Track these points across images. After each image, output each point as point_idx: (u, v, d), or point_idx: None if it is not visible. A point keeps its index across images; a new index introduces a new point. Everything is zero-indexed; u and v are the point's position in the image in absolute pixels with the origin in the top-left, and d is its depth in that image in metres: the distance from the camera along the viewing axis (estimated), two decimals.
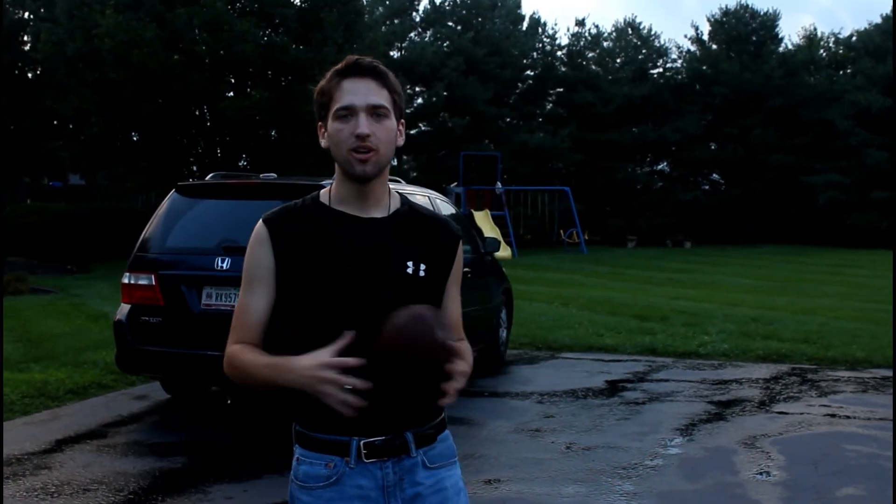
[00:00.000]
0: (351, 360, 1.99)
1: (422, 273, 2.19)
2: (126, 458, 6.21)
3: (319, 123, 2.22)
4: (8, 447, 6.22)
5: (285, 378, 2.08)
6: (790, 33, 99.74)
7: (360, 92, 2.12)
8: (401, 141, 2.21)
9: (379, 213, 2.21)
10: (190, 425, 7.29)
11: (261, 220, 2.23)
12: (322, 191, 2.27)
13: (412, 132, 37.01)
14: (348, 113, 2.11)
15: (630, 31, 44.41)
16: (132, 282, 7.01)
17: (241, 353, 2.18)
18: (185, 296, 6.75)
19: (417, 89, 38.40)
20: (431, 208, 5.35)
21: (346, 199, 2.20)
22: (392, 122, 2.16)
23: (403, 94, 2.23)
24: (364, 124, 2.10)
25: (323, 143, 2.21)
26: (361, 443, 2.14)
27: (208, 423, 7.40)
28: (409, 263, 2.17)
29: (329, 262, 2.13)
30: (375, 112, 2.12)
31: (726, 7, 44.08)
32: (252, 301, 2.20)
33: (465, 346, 2.20)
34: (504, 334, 10.04)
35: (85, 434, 6.81)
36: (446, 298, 2.30)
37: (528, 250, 29.11)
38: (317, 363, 2.02)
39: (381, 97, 2.14)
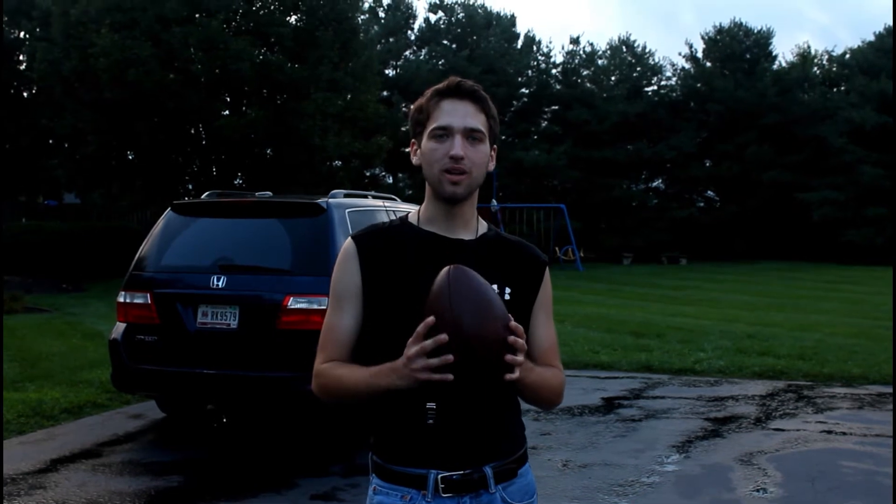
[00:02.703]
0: (428, 343, 1.92)
1: (507, 297, 2.16)
2: (122, 477, 6.18)
3: (412, 140, 2.23)
4: (3, 467, 6.19)
5: (390, 381, 2.02)
6: (784, 51, 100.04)
7: (459, 114, 2.13)
8: (492, 166, 2.21)
9: (466, 236, 2.20)
10: (186, 444, 7.27)
11: (349, 238, 2.24)
12: (412, 212, 2.28)
13: (406, 150, 37.13)
14: (445, 133, 2.12)
15: (625, 49, 44.59)
16: (128, 300, 7.01)
17: (335, 367, 2.17)
18: (181, 314, 6.75)
19: (413, 108, 38.56)
20: None
21: (434, 220, 2.20)
22: (486, 146, 2.17)
23: (499, 121, 2.24)
24: (459, 146, 2.10)
25: (414, 160, 2.22)
26: (439, 476, 2.11)
27: (204, 442, 7.38)
28: (494, 286, 2.13)
29: (412, 280, 2.12)
30: (471, 135, 2.13)
31: (720, 25, 44.33)
32: (340, 320, 2.20)
33: (560, 378, 2.27)
34: None
35: (80, 453, 6.79)
36: (535, 324, 2.28)
37: None
38: (405, 356, 1.97)
39: (478, 121, 2.14)
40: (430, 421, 2.05)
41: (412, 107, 2.24)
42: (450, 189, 2.12)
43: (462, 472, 2.12)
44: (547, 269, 2.32)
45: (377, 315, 2.16)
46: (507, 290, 2.18)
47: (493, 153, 2.22)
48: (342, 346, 2.19)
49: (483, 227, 2.26)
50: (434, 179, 2.14)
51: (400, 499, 2.14)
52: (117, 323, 7.14)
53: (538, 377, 2.17)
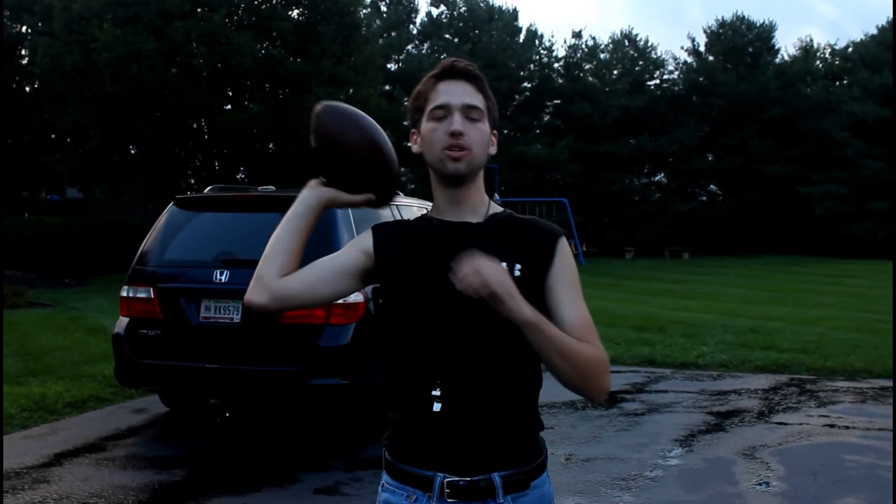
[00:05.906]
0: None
1: (517, 273, 2.10)
2: (125, 471, 6.19)
3: (412, 130, 2.21)
4: (7, 461, 6.21)
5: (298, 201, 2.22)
6: (786, 44, 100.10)
7: (456, 93, 2.12)
8: (493, 150, 2.19)
9: (474, 219, 2.18)
10: (189, 438, 7.28)
11: (369, 228, 2.26)
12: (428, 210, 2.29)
13: (409, 145, 37.17)
14: (444, 113, 2.11)
15: (627, 43, 44.59)
16: (131, 295, 7.01)
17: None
18: (184, 309, 6.75)
19: (411, 96, 38.66)
20: None
21: (441, 207, 2.19)
22: (486, 125, 2.15)
23: (496, 104, 2.23)
24: (459, 122, 2.09)
25: (415, 148, 2.20)
26: (445, 480, 2.07)
27: (207, 436, 7.39)
28: (503, 264, 2.07)
29: (417, 264, 2.12)
30: (470, 114, 2.11)
31: (722, 18, 44.29)
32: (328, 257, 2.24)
33: (598, 351, 2.15)
34: None
35: (84, 447, 6.80)
36: (557, 303, 2.14)
37: None
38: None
39: (476, 99, 2.13)
40: (437, 408, 2.02)
41: (411, 94, 2.23)
42: (451, 166, 2.10)
43: (469, 478, 2.07)
44: (562, 240, 2.20)
45: (390, 298, 2.16)
46: (518, 266, 2.11)
47: (493, 137, 2.19)
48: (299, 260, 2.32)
49: (494, 210, 2.23)
50: (435, 159, 2.12)
51: (406, 498, 2.11)
52: (120, 317, 7.14)
53: (559, 338, 2.02)
